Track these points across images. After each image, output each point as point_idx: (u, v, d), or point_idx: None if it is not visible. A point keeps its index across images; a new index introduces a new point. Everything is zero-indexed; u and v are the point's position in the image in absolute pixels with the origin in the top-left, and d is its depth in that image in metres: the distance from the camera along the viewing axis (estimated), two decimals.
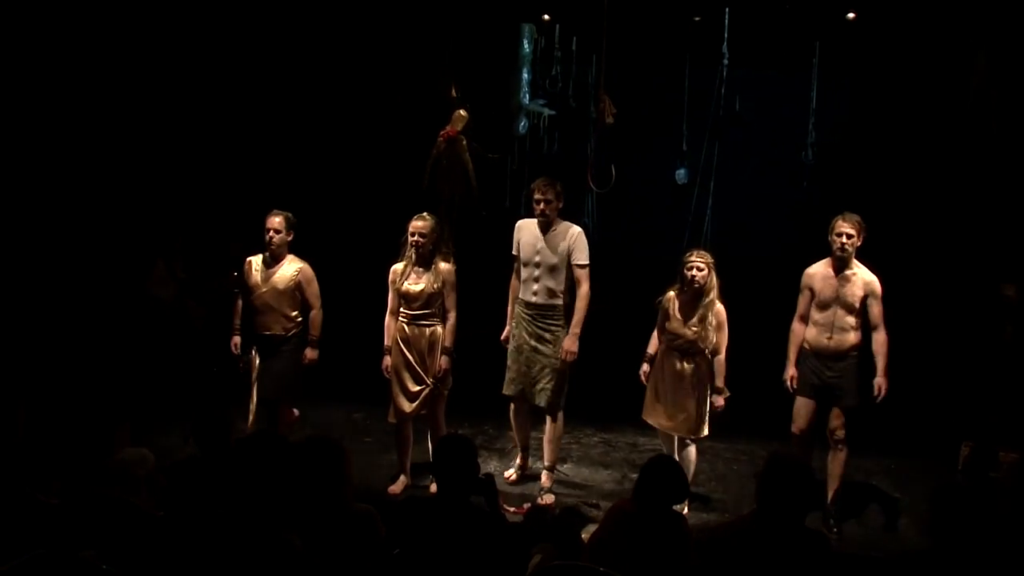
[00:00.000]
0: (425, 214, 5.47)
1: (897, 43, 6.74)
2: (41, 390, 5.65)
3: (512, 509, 5.14)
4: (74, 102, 7.20)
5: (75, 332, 7.05)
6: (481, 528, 3.45)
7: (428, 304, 5.40)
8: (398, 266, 5.48)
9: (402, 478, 5.62)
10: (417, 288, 5.39)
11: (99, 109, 7.34)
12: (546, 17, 7.21)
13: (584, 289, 5.31)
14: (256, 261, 5.69)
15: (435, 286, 5.38)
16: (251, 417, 5.66)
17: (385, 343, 5.50)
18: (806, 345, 5.36)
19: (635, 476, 3.81)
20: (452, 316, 5.45)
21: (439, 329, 5.44)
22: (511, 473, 5.84)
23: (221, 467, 3.79)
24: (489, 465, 5.95)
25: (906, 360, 6.96)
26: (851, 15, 6.58)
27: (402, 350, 5.44)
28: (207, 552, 3.17)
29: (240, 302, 5.79)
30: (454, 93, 6.85)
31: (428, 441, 5.59)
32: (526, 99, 7.53)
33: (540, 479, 5.66)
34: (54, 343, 6.87)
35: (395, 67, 7.56)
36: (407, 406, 5.46)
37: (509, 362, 5.57)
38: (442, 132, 6.66)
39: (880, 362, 5.23)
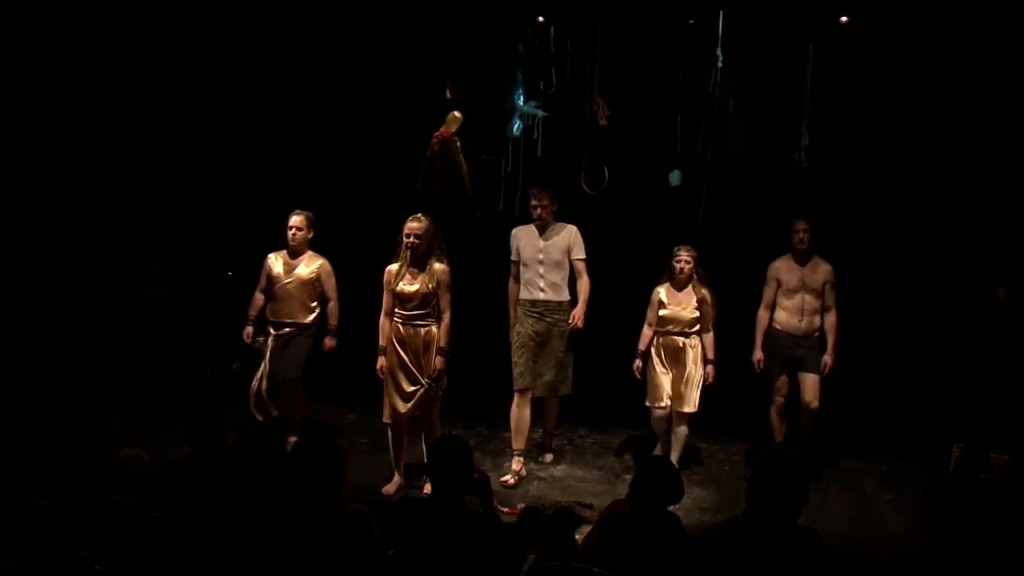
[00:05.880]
0: (420, 215, 5.50)
1: (890, 46, 6.76)
2: (36, 391, 5.65)
3: (506, 510, 5.14)
4: (70, 103, 7.20)
5: (69, 333, 7.04)
6: (475, 529, 3.46)
7: (423, 304, 5.42)
8: (393, 267, 5.50)
9: (396, 478, 5.63)
10: (412, 289, 5.41)
11: (94, 110, 7.34)
12: (541, 19, 7.20)
13: (585, 279, 5.89)
14: (278, 256, 6.14)
15: (430, 286, 5.40)
16: (262, 384, 6.01)
17: (380, 344, 5.51)
18: (777, 326, 6.09)
19: (628, 477, 3.83)
20: (447, 316, 5.47)
21: (434, 329, 5.47)
22: (508, 478, 5.86)
23: (214, 468, 3.79)
24: (483, 466, 5.96)
25: (898, 362, 7.01)
26: (844, 18, 6.60)
27: (397, 350, 5.46)
28: (201, 553, 3.17)
29: (258, 294, 6.11)
30: (448, 95, 6.84)
31: (422, 442, 5.60)
32: (520, 100, 7.52)
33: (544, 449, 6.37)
34: (48, 344, 6.86)
35: (389, 69, 7.56)
36: (402, 406, 5.46)
37: (516, 358, 5.89)
38: (436, 134, 6.65)
39: (831, 340, 6.06)
